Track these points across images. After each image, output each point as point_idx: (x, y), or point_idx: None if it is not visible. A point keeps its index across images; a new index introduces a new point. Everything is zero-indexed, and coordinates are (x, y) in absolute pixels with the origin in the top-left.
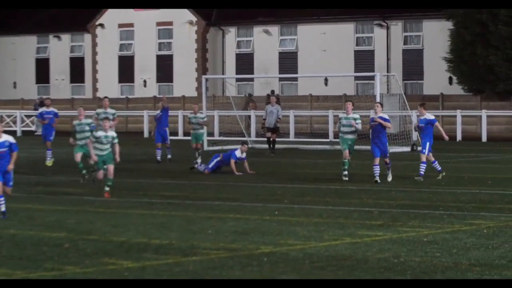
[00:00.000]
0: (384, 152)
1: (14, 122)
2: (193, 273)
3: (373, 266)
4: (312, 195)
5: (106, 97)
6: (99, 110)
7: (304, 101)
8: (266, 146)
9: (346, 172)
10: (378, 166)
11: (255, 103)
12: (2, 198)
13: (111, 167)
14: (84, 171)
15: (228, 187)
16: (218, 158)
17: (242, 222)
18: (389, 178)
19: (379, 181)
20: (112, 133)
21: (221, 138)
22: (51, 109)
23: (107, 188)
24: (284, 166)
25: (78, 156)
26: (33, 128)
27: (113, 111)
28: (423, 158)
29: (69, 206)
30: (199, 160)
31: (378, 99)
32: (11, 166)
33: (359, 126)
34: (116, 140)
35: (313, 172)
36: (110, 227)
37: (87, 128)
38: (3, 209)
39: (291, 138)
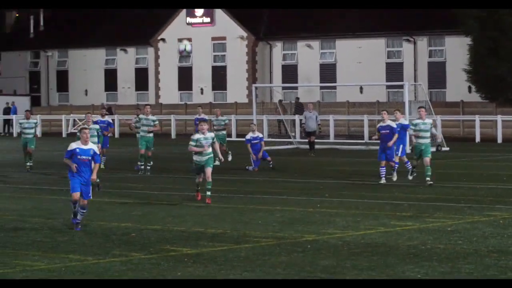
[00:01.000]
0: (390, 158)
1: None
2: (245, 259)
3: (403, 252)
4: (349, 190)
5: (148, 105)
6: (141, 116)
7: (342, 107)
8: (332, 146)
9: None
10: (384, 168)
11: (284, 107)
12: (85, 211)
13: (209, 170)
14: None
15: (275, 182)
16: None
17: (288, 213)
18: (394, 178)
19: (384, 181)
20: (210, 134)
21: (270, 139)
22: (105, 118)
23: (208, 193)
24: (325, 164)
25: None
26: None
27: (154, 117)
28: (396, 159)
29: (135, 199)
30: (217, 163)
31: (406, 106)
32: (94, 177)
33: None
34: (214, 140)
35: (350, 169)
36: (171, 218)
37: (95, 133)
38: (79, 218)
39: (331, 139)
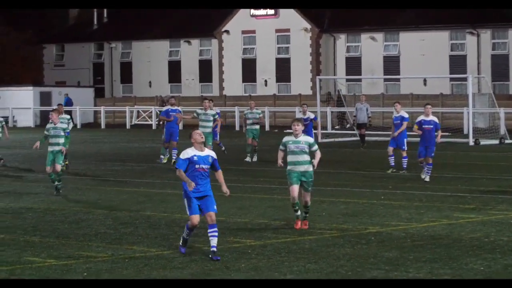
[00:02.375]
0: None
1: (150, 117)
2: (308, 251)
3: (467, 244)
4: (412, 182)
5: (206, 99)
6: (199, 111)
7: (405, 99)
8: (382, 138)
9: None
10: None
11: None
12: (214, 229)
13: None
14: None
15: (337, 174)
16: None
17: (351, 205)
18: (404, 166)
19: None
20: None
21: (334, 131)
22: (175, 107)
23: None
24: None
25: (48, 169)
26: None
27: (213, 112)
28: (390, 152)
29: None
30: (248, 159)
31: (470, 99)
32: (225, 189)
33: None
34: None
35: (414, 161)
36: (235, 209)
37: (61, 133)
38: (212, 245)
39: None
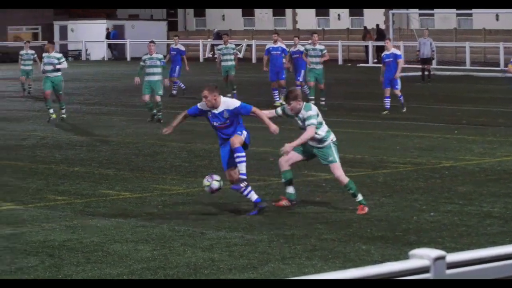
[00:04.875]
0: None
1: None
2: (382, 184)
3: None
4: (486, 116)
5: (226, 34)
6: (220, 46)
7: (478, 34)
8: (455, 73)
9: None
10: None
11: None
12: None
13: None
14: (154, 111)
15: (412, 108)
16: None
17: (425, 139)
18: (404, 109)
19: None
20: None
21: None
22: (277, 45)
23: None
24: (461, 91)
25: (146, 97)
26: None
27: (233, 45)
28: (387, 93)
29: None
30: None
31: None
32: (273, 129)
33: None
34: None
35: (486, 96)
36: None
37: (158, 63)
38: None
39: (467, 66)
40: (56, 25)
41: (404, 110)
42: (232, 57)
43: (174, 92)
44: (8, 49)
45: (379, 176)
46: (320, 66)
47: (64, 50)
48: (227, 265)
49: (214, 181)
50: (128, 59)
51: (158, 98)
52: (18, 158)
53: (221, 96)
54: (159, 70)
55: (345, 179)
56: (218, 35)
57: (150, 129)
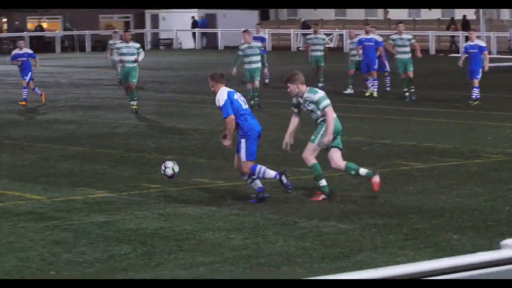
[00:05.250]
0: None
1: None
2: (475, 174)
3: None
4: None
5: (316, 24)
6: (310, 36)
7: None
8: None
9: None
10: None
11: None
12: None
13: None
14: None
15: (502, 99)
16: None
17: None
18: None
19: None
20: None
21: (499, 56)
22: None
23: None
24: None
25: (249, 85)
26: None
27: (323, 35)
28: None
29: (365, 113)
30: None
31: None
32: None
33: None
34: None
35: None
36: (401, 133)
37: (257, 51)
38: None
39: None
40: (148, 14)
41: (475, 103)
42: (322, 47)
43: (267, 80)
44: (100, 37)
45: (472, 166)
46: (407, 56)
47: (155, 39)
48: (319, 254)
49: (167, 169)
50: (221, 47)
51: (257, 84)
52: (111, 146)
53: (223, 87)
54: (258, 58)
55: (309, 161)
56: (305, 25)
57: None
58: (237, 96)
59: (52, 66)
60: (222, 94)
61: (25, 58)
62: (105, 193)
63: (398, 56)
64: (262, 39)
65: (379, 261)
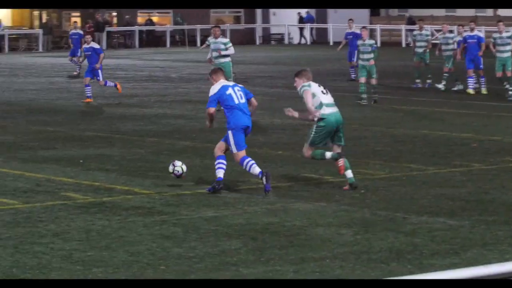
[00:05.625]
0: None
1: None
2: None
3: None
4: None
5: (421, 20)
6: (415, 32)
7: None
8: None
9: None
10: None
11: None
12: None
13: None
14: (364, 95)
15: None
16: None
17: None
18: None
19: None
20: None
21: None
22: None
23: None
24: None
25: (363, 79)
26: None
27: (427, 32)
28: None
29: (476, 110)
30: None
31: None
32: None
33: None
34: None
35: None
36: None
37: (369, 49)
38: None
39: None
40: (258, 8)
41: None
42: (425, 43)
43: (353, 76)
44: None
45: None
46: (507, 54)
47: (266, 34)
48: (429, 250)
49: (176, 167)
50: (331, 43)
51: (374, 81)
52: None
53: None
54: (370, 56)
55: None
56: (411, 20)
57: (353, 113)
58: (231, 91)
59: (162, 60)
60: (215, 87)
61: (89, 53)
62: None
63: (497, 54)
64: (355, 35)
65: (489, 257)
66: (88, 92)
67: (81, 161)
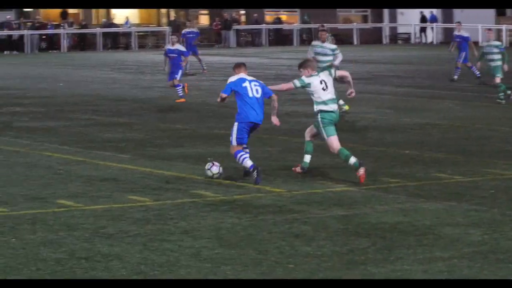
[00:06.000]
0: None
1: None
2: None
3: None
4: None
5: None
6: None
7: None
8: None
9: None
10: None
11: None
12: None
13: None
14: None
15: None
16: None
17: None
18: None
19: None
20: None
21: None
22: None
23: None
24: None
25: (498, 79)
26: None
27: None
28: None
29: None
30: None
31: None
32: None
33: None
34: None
35: None
36: None
37: (495, 50)
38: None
39: None
40: (386, 9)
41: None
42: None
43: (455, 77)
44: (338, 31)
45: None
46: None
47: (393, 33)
48: None
49: (213, 167)
50: None
51: (497, 80)
52: (350, 140)
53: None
54: (498, 56)
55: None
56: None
57: (479, 113)
58: (248, 84)
59: (289, 59)
60: (234, 77)
61: (175, 55)
62: (345, 187)
63: None
64: (463, 38)
65: None
66: (180, 91)
67: (209, 158)
